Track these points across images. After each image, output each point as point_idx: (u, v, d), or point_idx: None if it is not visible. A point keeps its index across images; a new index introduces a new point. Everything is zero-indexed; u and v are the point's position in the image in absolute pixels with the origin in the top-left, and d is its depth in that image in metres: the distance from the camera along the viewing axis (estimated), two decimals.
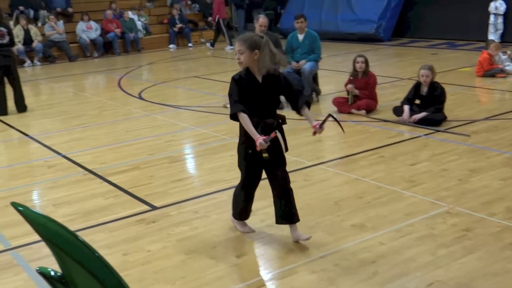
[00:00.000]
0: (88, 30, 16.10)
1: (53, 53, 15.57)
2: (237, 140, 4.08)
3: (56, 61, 15.51)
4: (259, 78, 3.82)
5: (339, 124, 4.06)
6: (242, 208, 4.18)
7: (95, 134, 7.46)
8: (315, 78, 8.43)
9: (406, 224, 4.15)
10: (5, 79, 8.91)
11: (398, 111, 7.06)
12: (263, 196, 4.83)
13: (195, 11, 19.33)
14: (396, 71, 11.10)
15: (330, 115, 3.89)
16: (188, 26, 17.68)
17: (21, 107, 9.03)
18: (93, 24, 16.23)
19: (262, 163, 3.92)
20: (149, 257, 3.89)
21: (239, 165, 4.09)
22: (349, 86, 7.57)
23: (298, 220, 4.01)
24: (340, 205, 4.59)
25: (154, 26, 18.03)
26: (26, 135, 7.65)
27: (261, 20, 8.23)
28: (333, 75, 10.86)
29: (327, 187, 5.03)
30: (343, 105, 7.61)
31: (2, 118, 8.72)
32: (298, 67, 8.16)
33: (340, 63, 12.23)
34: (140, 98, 9.73)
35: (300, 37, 8.34)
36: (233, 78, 3.81)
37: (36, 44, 14.90)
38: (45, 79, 12.94)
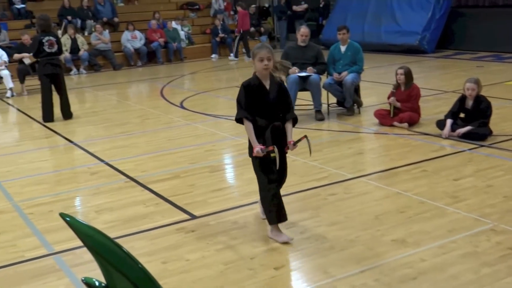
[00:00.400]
0: (132, 40, 16.41)
1: (98, 61, 15.92)
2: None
3: (101, 69, 15.85)
4: (267, 85, 4.16)
5: (309, 147, 4.33)
6: (276, 209, 4.20)
7: (137, 142, 7.57)
8: (357, 90, 8.37)
9: (448, 241, 4.06)
10: (53, 87, 9.15)
11: (441, 124, 6.93)
12: (302, 208, 4.83)
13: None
14: (440, 83, 10.91)
15: (305, 137, 4.28)
16: (230, 36, 17.82)
17: (67, 114, 9.25)
18: (137, 33, 16.53)
19: (271, 161, 4.11)
20: (188, 266, 3.91)
21: (254, 168, 4.29)
22: (391, 99, 7.48)
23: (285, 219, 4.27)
24: (380, 219, 4.52)
25: (197, 36, 18.25)
26: (71, 141, 7.83)
27: (302, 30, 8.24)
28: (375, 87, 10.75)
29: (368, 200, 4.97)
30: (385, 117, 7.52)
31: (49, 124, 8.95)
32: (340, 79, 8.11)
33: (383, 75, 12.11)
34: (182, 107, 9.84)
35: (343, 48, 8.29)
36: (243, 85, 4.16)
37: (82, 52, 15.26)
38: (90, 87, 13.24)
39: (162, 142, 7.48)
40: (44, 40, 8.97)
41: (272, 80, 4.22)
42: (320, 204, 4.91)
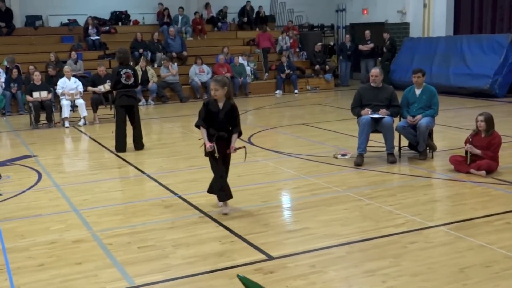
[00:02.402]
0: (200, 73, 16.77)
1: (166, 93, 16.31)
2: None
3: (168, 101, 16.22)
4: (221, 105, 5.80)
5: (245, 156, 6.06)
6: (225, 187, 5.91)
7: (207, 177, 7.54)
8: (430, 134, 8.21)
9: None
10: (127, 118, 9.41)
11: None
12: (381, 256, 4.72)
13: (302, 58, 19.63)
14: None
15: (244, 147, 5.98)
16: (295, 73, 17.95)
17: (139, 145, 9.46)
18: (205, 67, 16.89)
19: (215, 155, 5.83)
20: None
21: (210, 162, 6.03)
22: (468, 145, 7.28)
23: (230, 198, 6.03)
24: (466, 272, 4.36)
25: (262, 72, 18.45)
26: (143, 172, 7.98)
27: (373, 71, 8.26)
28: (445, 131, 10.52)
29: (450, 251, 4.80)
30: (461, 164, 7.32)
31: (121, 154, 9.18)
32: (414, 122, 7.99)
33: (452, 118, 11.86)
34: (250, 142, 9.90)
35: (417, 91, 8.19)
36: (203, 103, 5.91)
37: (151, 84, 15.69)
38: (158, 118, 13.55)
39: (233, 178, 7.44)
40: (121, 72, 9.28)
41: (227, 102, 5.81)
42: (400, 252, 4.78)
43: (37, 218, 6.03)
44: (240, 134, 6.00)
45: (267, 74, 18.45)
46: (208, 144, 5.76)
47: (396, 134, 8.17)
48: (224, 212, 5.95)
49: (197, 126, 5.91)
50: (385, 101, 8.07)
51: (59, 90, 12.63)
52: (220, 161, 5.92)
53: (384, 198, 6.36)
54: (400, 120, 8.30)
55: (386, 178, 7.34)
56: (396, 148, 8.25)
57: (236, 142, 5.98)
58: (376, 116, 7.90)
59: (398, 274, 4.36)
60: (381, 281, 4.25)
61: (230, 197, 6.01)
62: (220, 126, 5.84)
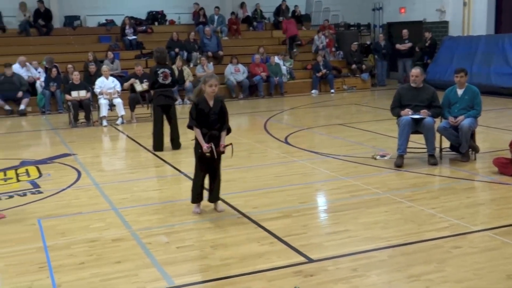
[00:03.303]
0: (235, 73, 16.76)
1: None
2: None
3: None
4: (211, 103, 5.76)
5: (232, 152, 5.93)
6: (198, 191, 5.96)
7: (245, 177, 7.60)
8: (473, 135, 7.99)
9: None
10: (164, 117, 9.45)
11: None
12: (425, 260, 4.61)
13: (339, 58, 19.44)
14: None
15: (231, 144, 5.91)
16: (331, 72, 17.79)
17: (176, 144, 9.49)
18: (240, 67, 16.88)
19: (207, 158, 5.78)
20: None
21: (195, 159, 5.96)
22: None
23: (219, 199, 6.11)
24: None
25: (298, 71, 18.36)
26: (180, 171, 7.99)
27: (413, 71, 8.10)
28: (487, 132, 10.26)
29: (496, 257, 4.65)
30: (506, 166, 7.10)
31: (158, 153, 9.22)
32: (456, 123, 7.79)
33: (494, 119, 11.56)
34: (287, 142, 9.83)
35: (460, 92, 7.99)
36: (194, 102, 5.84)
37: (188, 84, 15.75)
38: None
39: (270, 178, 7.47)
40: (159, 72, 9.32)
41: (216, 100, 5.80)
42: (444, 257, 4.65)
43: (77, 216, 6.08)
44: (229, 131, 5.99)
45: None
46: (205, 146, 5.70)
47: (437, 135, 7.99)
48: (194, 212, 6.00)
49: (190, 127, 5.85)
50: (425, 102, 7.89)
51: (97, 89, 12.78)
52: (206, 164, 5.90)
53: (426, 200, 6.21)
54: (441, 121, 8.12)
55: (427, 180, 7.17)
56: (437, 150, 8.06)
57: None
58: (416, 116, 7.73)
59: (442, 280, 4.24)
60: (425, 287, 4.14)
61: (198, 200, 6.02)
62: (212, 125, 5.81)
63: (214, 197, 6.10)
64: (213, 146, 5.72)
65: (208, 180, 6.05)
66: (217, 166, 6.00)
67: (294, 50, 19.11)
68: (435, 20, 19.04)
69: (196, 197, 6.02)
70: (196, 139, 5.86)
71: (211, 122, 5.80)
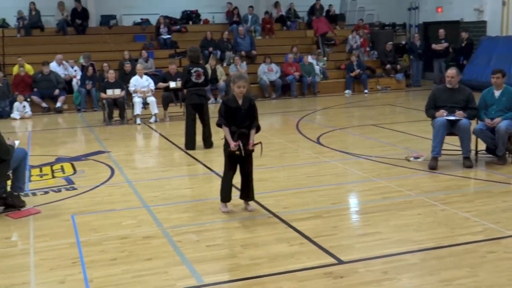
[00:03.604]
0: (269, 72, 16.75)
1: None
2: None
3: None
4: (240, 102, 5.80)
5: (261, 151, 5.92)
6: (227, 191, 5.96)
7: (276, 177, 7.59)
8: (509, 138, 7.81)
9: None
10: (196, 116, 9.50)
11: None
12: (458, 265, 4.53)
13: (373, 58, 19.25)
14: None
15: (260, 143, 5.86)
16: (365, 72, 17.63)
17: (208, 143, 9.53)
18: (274, 66, 16.86)
19: (236, 157, 5.82)
20: None
21: (224, 160, 5.98)
22: None
23: (252, 199, 6.09)
24: None
25: (332, 71, 18.24)
26: (212, 170, 8.02)
27: (449, 71, 7.97)
28: None
29: None
30: None
31: (190, 152, 9.28)
32: (493, 125, 7.63)
33: None
34: (319, 143, 9.78)
35: (497, 93, 7.82)
36: (223, 101, 5.94)
37: (221, 83, 15.81)
38: None
39: (302, 179, 7.44)
40: (192, 71, 9.38)
41: (245, 98, 5.85)
42: (477, 262, 4.56)
43: (109, 213, 6.17)
44: (258, 129, 5.98)
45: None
46: (233, 144, 5.70)
47: (473, 137, 7.84)
48: (222, 211, 6.01)
49: (219, 125, 5.89)
50: (461, 103, 7.75)
51: (131, 87, 12.94)
52: (235, 164, 5.93)
53: (460, 204, 6.09)
54: (477, 122, 7.95)
55: (462, 183, 7.04)
56: (473, 152, 7.91)
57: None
58: (452, 118, 7.60)
59: (475, 285, 4.15)
60: None
61: (226, 200, 6.02)
62: (241, 123, 5.81)
63: (247, 195, 6.09)
64: (241, 145, 5.72)
65: (240, 179, 6.05)
66: (249, 166, 5.99)
67: (327, 49, 19.00)
68: (473, 20, 18.68)
69: (225, 197, 6.04)
70: (225, 137, 5.87)
71: (240, 120, 5.81)
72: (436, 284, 4.22)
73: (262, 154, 6.01)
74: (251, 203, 6.15)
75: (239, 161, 5.92)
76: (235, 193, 6.18)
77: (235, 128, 5.79)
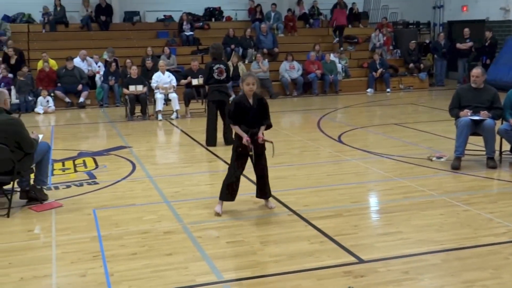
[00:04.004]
0: (290, 70, 16.70)
1: None
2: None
3: None
4: (251, 101, 5.74)
5: (273, 151, 5.78)
6: (232, 189, 5.81)
7: (297, 174, 7.57)
8: None
9: None
10: (218, 113, 9.52)
11: None
12: (481, 266, 4.47)
13: (396, 56, 19.08)
14: None
15: (271, 142, 5.75)
16: (388, 71, 17.48)
17: (229, 140, 9.50)
18: (295, 64, 16.81)
19: (244, 156, 5.77)
20: None
21: (231, 157, 5.92)
22: None
23: (270, 196, 6.06)
24: None
25: (354, 70, 18.14)
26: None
27: (474, 71, 7.87)
28: None
29: None
30: None
31: (211, 148, 9.30)
32: None
33: None
34: (340, 141, 9.72)
35: None
36: (234, 101, 5.85)
37: None
38: None
39: (322, 177, 7.40)
40: (214, 68, 9.39)
41: (255, 97, 5.75)
42: (501, 264, 4.49)
43: (130, 208, 6.21)
44: (269, 126, 5.91)
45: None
46: (245, 138, 5.63)
47: (498, 138, 7.72)
48: (216, 212, 5.84)
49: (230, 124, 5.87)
50: (486, 103, 7.64)
51: (153, 84, 13.01)
52: (243, 164, 5.87)
53: (484, 205, 6.01)
54: (502, 123, 7.83)
55: (486, 184, 6.94)
56: (497, 153, 7.79)
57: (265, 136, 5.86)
58: (476, 118, 7.50)
59: (498, 287, 4.09)
60: None
61: (231, 199, 5.89)
62: (252, 122, 5.75)
63: (264, 193, 6.06)
64: (252, 147, 5.68)
65: (255, 178, 6.05)
66: (263, 165, 5.93)
67: (350, 47, 18.86)
68: (499, 19, 18.41)
69: (225, 195, 5.89)
70: (235, 135, 5.83)
71: (251, 119, 5.76)
72: (458, 285, 4.16)
73: (274, 155, 5.87)
74: (271, 199, 6.13)
75: (256, 161, 5.84)
76: (239, 193, 6.12)
77: (245, 127, 5.73)
